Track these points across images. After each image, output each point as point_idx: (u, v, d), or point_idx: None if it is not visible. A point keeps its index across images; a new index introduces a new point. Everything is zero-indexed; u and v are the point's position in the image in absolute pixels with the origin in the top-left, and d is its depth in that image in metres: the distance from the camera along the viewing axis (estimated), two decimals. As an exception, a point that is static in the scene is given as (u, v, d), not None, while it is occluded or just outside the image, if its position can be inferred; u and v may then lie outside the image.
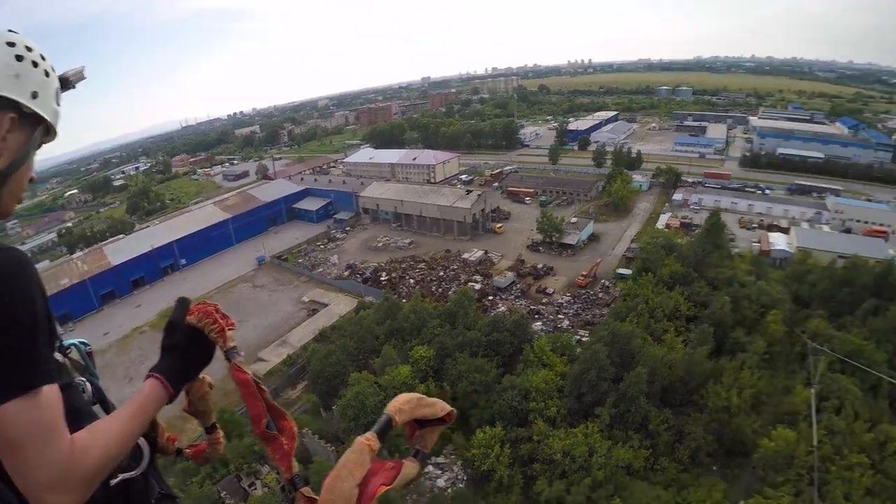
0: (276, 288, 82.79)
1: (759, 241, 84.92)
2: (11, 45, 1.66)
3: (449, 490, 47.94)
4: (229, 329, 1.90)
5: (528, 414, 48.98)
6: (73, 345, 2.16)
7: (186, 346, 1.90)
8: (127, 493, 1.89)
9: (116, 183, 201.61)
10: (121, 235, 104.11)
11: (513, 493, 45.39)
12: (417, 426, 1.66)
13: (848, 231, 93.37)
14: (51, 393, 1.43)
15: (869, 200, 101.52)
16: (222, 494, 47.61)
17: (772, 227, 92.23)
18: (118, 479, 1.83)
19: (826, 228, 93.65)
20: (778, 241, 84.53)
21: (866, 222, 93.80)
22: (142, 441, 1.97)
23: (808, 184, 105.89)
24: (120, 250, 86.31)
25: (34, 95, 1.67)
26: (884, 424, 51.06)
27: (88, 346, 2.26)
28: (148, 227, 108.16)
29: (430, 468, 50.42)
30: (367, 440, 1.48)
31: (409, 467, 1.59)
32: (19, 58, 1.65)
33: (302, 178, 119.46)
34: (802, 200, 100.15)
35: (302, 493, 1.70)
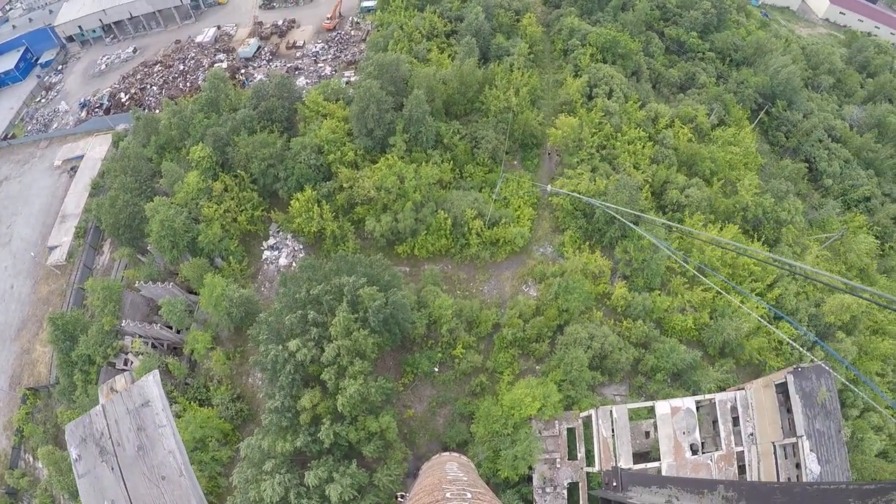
0: (22, 170, 70.42)
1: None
2: None
3: (293, 265, 49.14)
4: None
5: (329, 167, 49.39)
6: None
7: None
8: None
9: None
10: None
11: (349, 241, 48.02)
12: None
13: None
14: None
15: None
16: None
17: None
18: None
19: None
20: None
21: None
22: None
23: None
24: None
25: None
26: (651, 103, 61.13)
27: None
28: None
29: (266, 254, 50.68)
30: None
31: None
32: None
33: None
34: None
35: None
